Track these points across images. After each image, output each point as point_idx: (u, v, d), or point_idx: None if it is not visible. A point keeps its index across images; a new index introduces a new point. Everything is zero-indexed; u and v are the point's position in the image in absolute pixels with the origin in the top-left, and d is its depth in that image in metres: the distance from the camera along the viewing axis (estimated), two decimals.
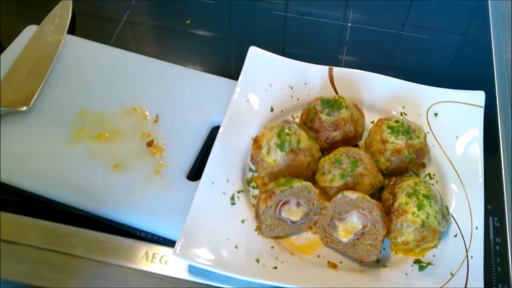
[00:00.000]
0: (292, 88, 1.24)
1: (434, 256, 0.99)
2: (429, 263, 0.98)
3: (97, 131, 1.02)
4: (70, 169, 0.92)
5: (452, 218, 1.03)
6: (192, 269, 0.92)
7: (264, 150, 1.06)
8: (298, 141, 1.06)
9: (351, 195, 0.98)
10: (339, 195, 0.99)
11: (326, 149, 1.13)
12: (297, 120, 1.19)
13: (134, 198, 0.96)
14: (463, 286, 0.94)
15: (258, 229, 1.02)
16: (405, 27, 1.43)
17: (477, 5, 1.43)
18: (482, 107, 1.17)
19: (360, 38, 1.40)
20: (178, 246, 0.92)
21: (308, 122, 1.13)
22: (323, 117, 1.11)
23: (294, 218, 1.02)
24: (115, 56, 1.08)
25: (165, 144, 1.06)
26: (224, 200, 1.06)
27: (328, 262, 1.00)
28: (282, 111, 1.20)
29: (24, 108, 0.96)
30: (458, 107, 1.20)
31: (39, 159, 0.92)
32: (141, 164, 1.02)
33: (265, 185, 1.10)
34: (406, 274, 0.97)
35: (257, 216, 1.01)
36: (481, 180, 1.06)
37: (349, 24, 1.41)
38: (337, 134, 1.11)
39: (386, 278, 0.96)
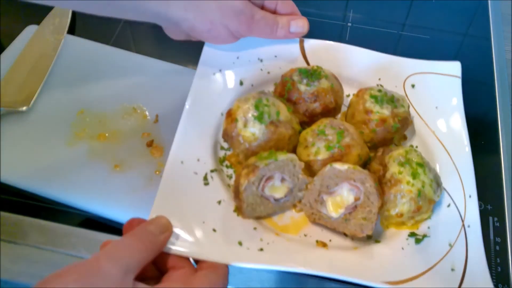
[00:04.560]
0: (261, 61, 1.15)
1: (429, 228, 0.92)
2: (425, 236, 0.91)
3: (97, 131, 1.01)
4: (70, 169, 0.92)
5: (443, 189, 0.97)
6: None
7: (240, 124, 0.96)
8: (278, 113, 0.97)
9: (340, 166, 0.90)
10: (327, 167, 0.90)
11: (304, 123, 1.04)
12: None
13: (134, 198, 0.96)
14: (464, 256, 0.87)
15: (238, 209, 0.91)
16: (405, 27, 1.43)
17: (477, 5, 1.43)
18: (459, 77, 1.13)
19: (360, 38, 1.38)
20: None
21: (285, 94, 1.04)
22: (302, 87, 1.03)
23: (278, 195, 0.92)
24: (115, 56, 1.09)
25: (165, 144, 1.06)
26: (196, 180, 0.94)
27: (317, 241, 0.91)
28: (252, 85, 1.11)
29: (24, 108, 0.96)
30: (435, 78, 1.15)
31: (39, 159, 0.92)
32: (141, 164, 1.02)
33: (241, 163, 0.99)
34: (402, 248, 0.89)
35: (237, 195, 0.90)
36: (467, 149, 1.01)
37: (349, 24, 1.41)
38: (317, 106, 1.03)
39: (381, 253, 0.88)
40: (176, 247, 0.82)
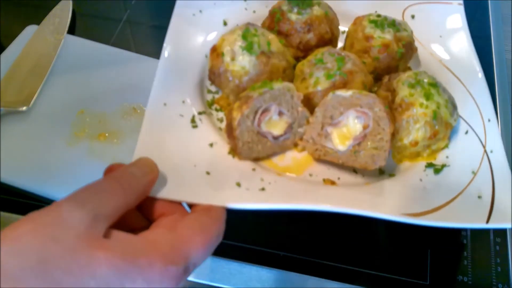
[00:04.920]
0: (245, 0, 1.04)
1: (447, 157, 0.83)
2: (444, 165, 0.81)
3: (97, 131, 0.99)
4: (70, 169, 0.91)
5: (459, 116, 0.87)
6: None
7: (227, 58, 0.85)
8: (269, 43, 0.86)
9: (344, 92, 0.79)
10: (330, 95, 0.80)
11: (300, 58, 0.94)
12: None
13: None
14: (490, 182, 0.78)
15: (233, 151, 0.80)
16: None
17: (477, 5, 1.38)
18: (461, 3, 1.04)
19: None
20: None
21: (275, 26, 0.93)
22: (293, 17, 0.92)
23: (276, 132, 0.81)
24: (115, 56, 1.09)
25: None
26: (182, 123, 0.84)
27: (324, 179, 0.80)
28: (237, 25, 0.99)
29: (24, 108, 0.96)
30: (437, 7, 1.06)
31: (39, 159, 0.92)
32: None
33: (231, 105, 0.88)
34: (421, 180, 0.79)
35: (231, 133, 0.79)
36: (480, 74, 0.91)
37: None
38: (311, 37, 0.92)
39: (397, 186, 0.78)
40: (164, 191, 0.70)
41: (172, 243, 0.59)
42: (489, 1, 1.40)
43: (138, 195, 0.65)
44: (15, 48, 1.09)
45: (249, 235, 0.88)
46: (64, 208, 0.54)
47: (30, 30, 1.13)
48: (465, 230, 0.90)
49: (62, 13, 1.17)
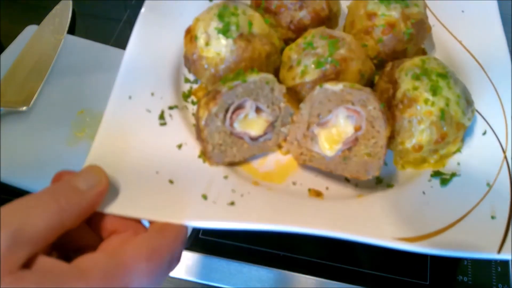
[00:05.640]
0: None
1: (458, 164, 0.70)
2: (454, 174, 0.68)
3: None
4: (70, 169, 0.79)
5: (476, 112, 0.72)
6: (192, 270, 0.81)
7: (201, 42, 0.73)
8: (250, 23, 0.73)
9: (333, 86, 0.66)
10: (317, 89, 0.67)
11: (291, 40, 0.80)
12: None
13: None
14: (509, 199, 0.64)
15: (203, 154, 0.69)
16: None
17: None
18: None
19: None
20: None
21: (262, 2, 0.80)
22: None
23: (254, 132, 0.69)
24: (115, 56, 1.06)
25: None
26: (149, 120, 0.73)
27: (310, 189, 0.69)
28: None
29: (24, 108, 0.97)
30: None
31: (39, 159, 0.91)
32: None
33: None
34: (424, 192, 0.66)
35: (199, 134, 0.68)
36: (508, 60, 0.76)
37: None
38: (304, 15, 0.79)
39: (396, 201, 0.65)
40: (114, 205, 0.61)
41: (108, 271, 0.52)
42: None
43: (81, 212, 0.56)
44: (15, 48, 1.09)
45: (249, 235, 0.83)
46: None
47: (30, 30, 1.13)
48: None
49: (62, 13, 1.18)
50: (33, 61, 1.06)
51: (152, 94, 0.76)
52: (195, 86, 0.81)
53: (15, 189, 0.89)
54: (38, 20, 1.14)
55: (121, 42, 1.07)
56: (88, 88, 1.03)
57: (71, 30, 1.17)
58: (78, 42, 1.12)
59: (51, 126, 0.96)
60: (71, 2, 1.19)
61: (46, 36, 1.12)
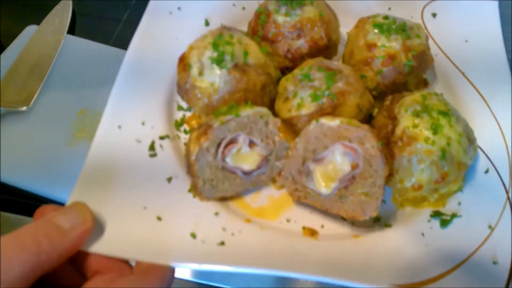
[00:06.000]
0: None
1: (459, 204, 0.67)
2: (454, 215, 0.66)
3: None
4: (70, 169, 0.85)
5: (478, 148, 0.70)
6: (193, 270, 0.78)
7: (194, 71, 0.71)
8: (245, 53, 0.71)
9: (330, 121, 0.64)
10: (312, 124, 0.65)
11: (288, 69, 0.78)
12: None
13: None
14: (511, 242, 0.60)
15: (193, 188, 0.66)
16: None
17: None
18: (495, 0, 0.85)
19: None
20: None
21: (259, 29, 0.77)
22: (280, 18, 0.76)
23: (247, 167, 0.67)
24: (115, 56, 1.05)
25: None
26: (139, 151, 0.71)
27: (304, 228, 0.66)
28: (221, 24, 0.84)
29: (24, 108, 0.97)
30: (464, 4, 0.87)
31: (39, 159, 0.91)
32: None
33: None
34: (423, 234, 0.64)
35: (190, 168, 0.65)
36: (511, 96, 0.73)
37: None
38: (302, 44, 0.77)
39: (393, 243, 0.63)
40: (99, 245, 0.59)
41: None
42: None
43: (62, 252, 0.54)
44: (15, 48, 1.10)
45: None
46: None
47: (30, 30, 1.13)
48: None
49: (62, 13, 1.18)
50: (33, 61, 1.06)
51: (143, 123, 0.74)
52: (188, 114, 0.79)
53: (15, 189, 0.89)
54: (38, 20, 1.15)
55: (121, 42, 1.13)
56: (88, 88, 1.03)
57: (71, 30, 1.18)
58: (78, 42, 1.13)
59: (51, 126, 0.96)
60: (71, 2, 1.19)
61: (46, 36, 1.12)
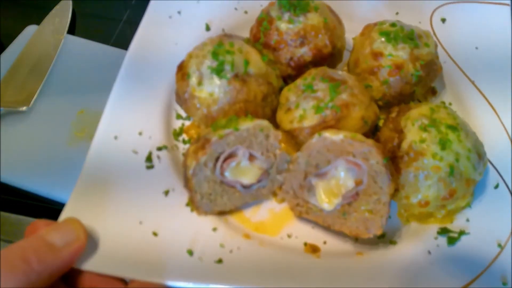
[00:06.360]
0: None
1: (468, 220, 0.65)
2: (462, 232, 0.63)
3: None
4: (70, 169, 0.84)
5: (488, 162, 0.67)
6: None
7: (193, 80, 0.69)
8: (246, 62, 0.68)
9: (333, 135, 0.61)
10: (315, 137, 0.62)
11: (291, 77, 0.75)
12: None
13: None
14: None
15: (191, 202, 0.64)
16: None
17: None
18: (508, 4, 0.81)
19: None
20: None
21: (261, 36, 0.75)
22: (283, 25, 0.74)
23: (247, 180, 0.64)
24: (115, 56, 1.06)
25: None
26: (135, 162, 0.69)
27: (306, 244, 0.63)
28: (223, 29, 0.81)
29: (24, 108, 0.98)
30: (474, 8, 0.84)
31: (39, 159, 0.91)
32: None
33: None
34: (429, 252, 0.61)
35: (187, 182, 0.63)
36: None
37: None
38: (305, 51, 0.74)
39: (398, 261, 0.61)
40: (92, 262, 0.57)
41: None
42: None
43: (54, 270, 0.53)
44: (15, 48, 1.10)
45: None
46: None
47: (30, 30, 1.13)
48: None
49: (62, 13, 1.18)
50: (33, 61, 1.06)
51: (140, 133, 0.72)
52: (187, 122, 0.76)
53: (15, 189, 0.89)
54: (38, 20, 1.15)
55: (121, 42, 1.13)
56: (88, 88, 1.03)
57: (71, 30, 1.18)
58: (78, 42, 1.13)
59: (51, 126, 0.96)
60: (71, 2, 1.20)
61: (46, 36, 1.12)
